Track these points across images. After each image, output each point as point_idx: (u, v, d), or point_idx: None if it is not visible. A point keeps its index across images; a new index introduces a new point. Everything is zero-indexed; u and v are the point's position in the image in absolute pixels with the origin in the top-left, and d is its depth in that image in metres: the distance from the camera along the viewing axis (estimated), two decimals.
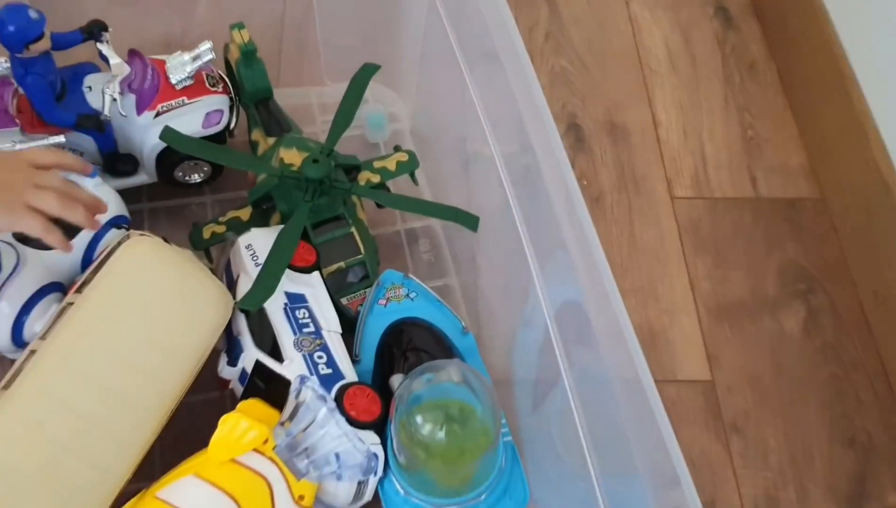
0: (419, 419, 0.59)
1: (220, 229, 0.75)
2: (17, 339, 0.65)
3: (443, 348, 0.70)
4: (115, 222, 0.70)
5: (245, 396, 0.67)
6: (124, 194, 0.80)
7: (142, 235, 0.64)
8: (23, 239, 0.65)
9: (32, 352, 0.58)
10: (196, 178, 0.82)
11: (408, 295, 0.71)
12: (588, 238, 0.59)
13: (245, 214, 0.75)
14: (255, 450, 0.60)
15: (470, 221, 0.71)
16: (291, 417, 0.61)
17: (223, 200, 0.84)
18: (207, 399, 0.70)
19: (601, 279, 0.59)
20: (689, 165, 0.99)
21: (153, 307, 0.61)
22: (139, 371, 0.59)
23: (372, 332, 0.70)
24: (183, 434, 0.68)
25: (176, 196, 0.84)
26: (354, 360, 0.68)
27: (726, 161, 0.99)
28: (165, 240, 0.65)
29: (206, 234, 0.74)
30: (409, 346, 0.70)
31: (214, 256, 0.76)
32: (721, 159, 0.99)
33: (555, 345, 0.65)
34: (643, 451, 0.56)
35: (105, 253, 0.63)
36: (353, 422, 0.61)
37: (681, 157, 0.99)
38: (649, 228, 0.93)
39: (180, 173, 0.81)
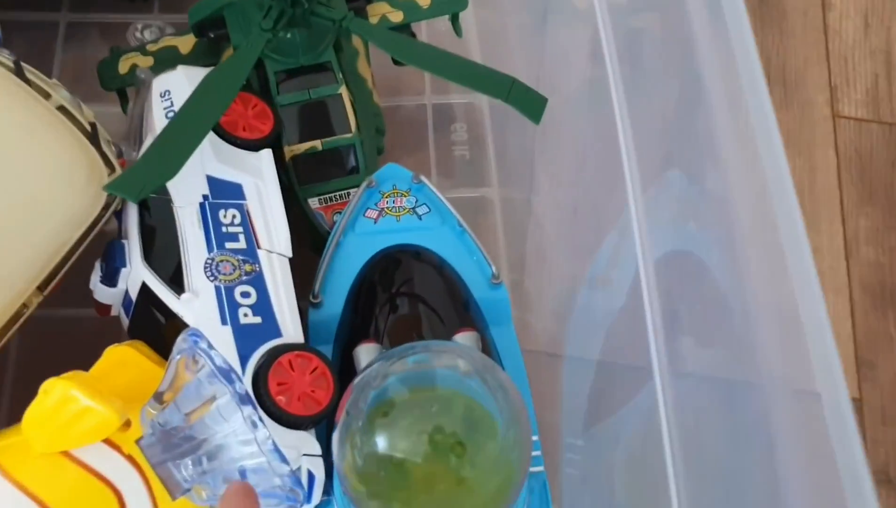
0: (382, 439, 0.33)
1: (147, 61, 0.48)
2: None
3: (455, 301, 0.43)
4: None
5: (134, 331, 0.42)
6: None
7: None
8: None
9: None
10: None
11: (414, 209, 0.44)
12: (769, 154, 0.34)
13: (185, 43, 0.49)
14: (108, 441, 0.35)
15: (531, 103, 0.42)
16: (173, 388, 0.35)
17: (180, 23, 0.57)
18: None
19: (775, 225, 0.33)
20: (865, 71, 0.68)
21: None
22: None
23: (348, 259, 0.43)
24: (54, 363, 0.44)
25: (111, 9, 0.57)
26: (312, 301, 0.42)
27: None
28: (17, 65, 0.39)
29: (124, 67, 0.48)
30: (401, 290, 0.43)
31: (131, 104, 0.49)
32: None
33: (648, 322, 0.38)
34: None
35: None
36: (280, 416, 0.36)
37: (856, 59, 0.68)
38: (797, 154, 0.64)
39: None
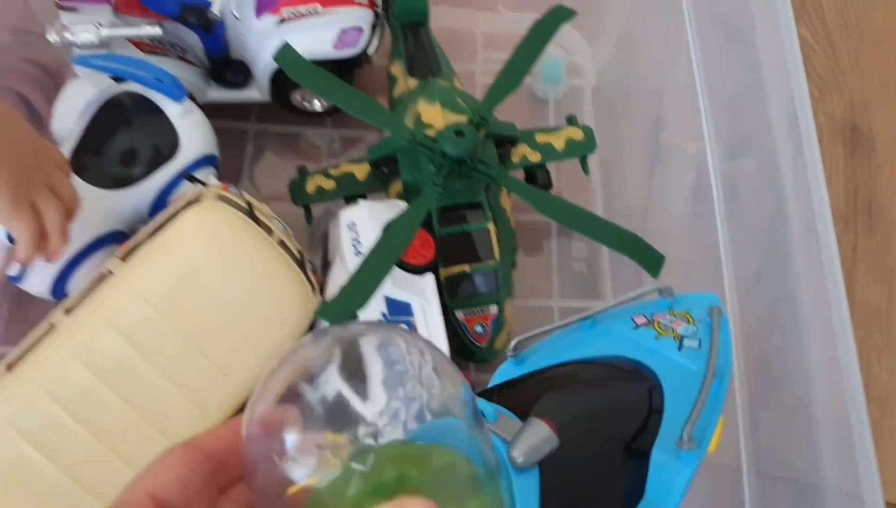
0: None
1: (329, 184, 0.59)
2: (58, 291, 0.52)
3: (630, 440, 0.39)
4: (200, 165, 0.56)
5: None
6: (230, 108, 0.66)
7: (220, 196, 0.49)
8: (77, 170, 0.52)
9: (51, 327, 0.45)
10: (317, 105, 0.66)
11: (683, 338, 0.40)
12: (831, 279, 0.43)
13: (361, 171, 0.59)
14: None
15: (651, 259, 0.51)
16: None
17: (347, 137, 0.68)
18: None
19: (834, 340, 0.41)
20: None
21: (214, 298, 0.46)
22: (198, 369, 0.46)
23: (583, 341, 0.41)
24: None
25: (290, 121, 0.68)
26: (511, 354, 0.43)
27: None
28: (249, 206, 0.49)
29: (311, 187, 0.59)
30: (596, 401, 0.39)
31: (315, 216, 0.60)
32: None
33: (740, 423, 0.47)
34: None
35: (166, 215, 0.48)
36: None
37: None
38: (877, 282, 0.71)
39: (299, 97, 0.65)
